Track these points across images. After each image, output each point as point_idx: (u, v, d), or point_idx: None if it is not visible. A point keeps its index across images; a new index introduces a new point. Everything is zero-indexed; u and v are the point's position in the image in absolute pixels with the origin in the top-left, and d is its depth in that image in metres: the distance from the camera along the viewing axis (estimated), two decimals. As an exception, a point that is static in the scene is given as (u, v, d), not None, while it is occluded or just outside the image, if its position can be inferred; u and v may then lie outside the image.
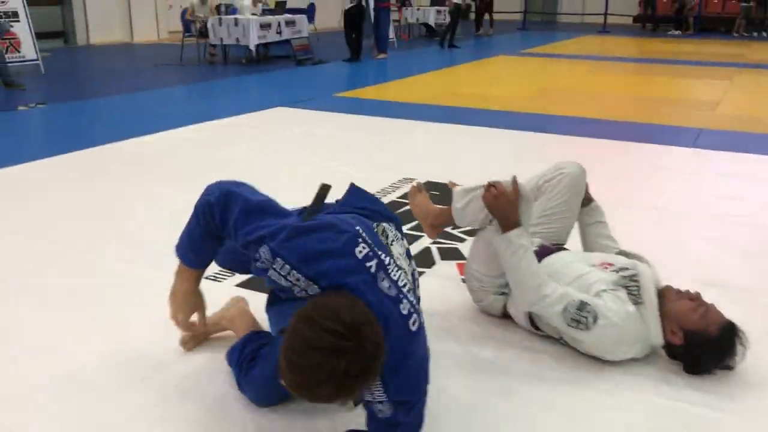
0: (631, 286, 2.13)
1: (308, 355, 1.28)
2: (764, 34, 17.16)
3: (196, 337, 2.20)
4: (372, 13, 11.22)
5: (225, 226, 1.64)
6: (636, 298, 2.10)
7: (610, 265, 2.25)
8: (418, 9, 15.22)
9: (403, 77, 9.20)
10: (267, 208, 1.64)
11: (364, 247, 1.52)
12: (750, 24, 17.53)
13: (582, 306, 2.02)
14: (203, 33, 10.68)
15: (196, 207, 1.70)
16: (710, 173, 4.48)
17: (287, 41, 10.93)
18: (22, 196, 3.87)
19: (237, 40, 10.25)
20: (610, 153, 4.89)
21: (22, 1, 8.99)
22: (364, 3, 10.86)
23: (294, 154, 4.86)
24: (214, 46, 10.68)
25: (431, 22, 15.46)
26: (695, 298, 2.10)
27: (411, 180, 4.08)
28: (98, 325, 2.34)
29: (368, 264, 1.50)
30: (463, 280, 2.65)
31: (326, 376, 1.27)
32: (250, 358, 1.90)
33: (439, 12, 15.57)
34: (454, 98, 7.49)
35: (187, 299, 1.85)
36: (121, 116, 6.49)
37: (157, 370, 2.04)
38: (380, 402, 1.53)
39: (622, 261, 2.28)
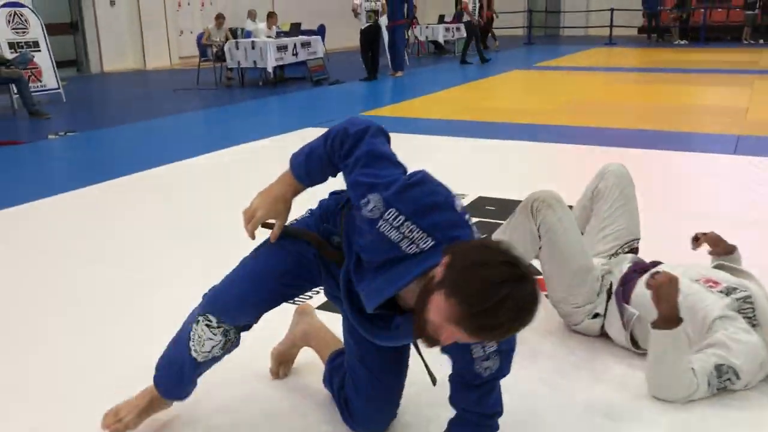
0: (745, 308, 2.06)
1: (495, 291, 1.24)
2: (771, 41, 17.23)
3: (284, 364, 2.14)
4: (386, 32, 11.27)
5: (348, 156, 1.54)
6: (752, 320, 2.04)
7: (716, 283, 2.16)
8: (426, 27, 15.28)
9: (423, 94, 9.19)
10: (390, 156, 1.57)
11: (460, 202, 1.49)
12: (756, 31, 17.59)
13: (720, 372, 1.95)
14: (220, 57, 10.72)
15: (329, 131, 1.60)
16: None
17: (303, 62, 10.97)
18: (83, 220, 3.84)
19: (254, 62, 10.28)
20: (655, 162, 4.84)
21: (43, 32, 9.02)
22: (379, 22, 10.91)
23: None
24: (231, 69, 10.71)
25: (440, 39, 15.51)
26: None
27: (462, 196, 4.04)
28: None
29: (466, 218, 1.47)
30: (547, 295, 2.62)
31: (518, 303, 1.26)
32: (340, 386, 1.85)
33: (447, 29, 15.63)
34: (479, 113, 7.47)
35: (276, 201, 1.67)
36: (154, 141, 6.49)
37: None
38: (489, 355, 1.53)
39: (727, 278, 2.19)
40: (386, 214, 1.41)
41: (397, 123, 6.89)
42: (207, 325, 1.66)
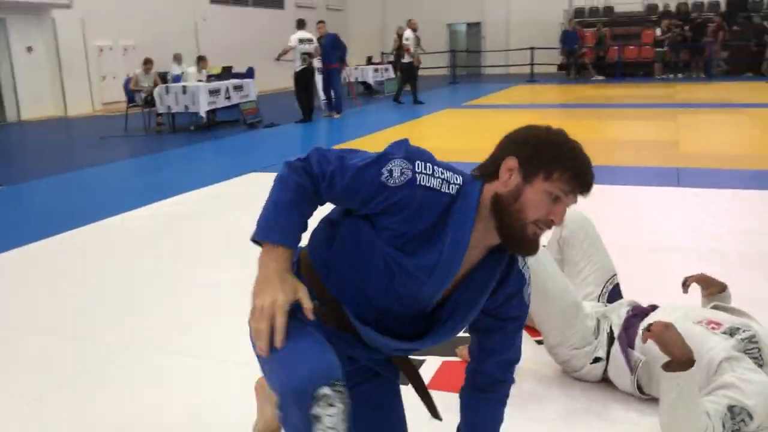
0: (751, 348, 2.05)
1: (566, 143, 1.45)
2: (679, 75, 18.25)
3: None
4: (320, 74, 11.28)
5: (324, 174, 1.41)
6: (758, 360, 2.03)
7: (718, 324, 2.15)
8: (356, 68, 15.40)
9: (362, 135, 9.17)
10: (356, 151, 1.50)
11: None
12: (665, 66, 18.62)
13: (733, 413, 1.91)
14: (149, 102, 10.41)
15: (282, 175, 1.44)
16: (718, 211, 4.56)
17: (236, 106, 10.79)
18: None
19: (186, 107, 10.03)
20: (604, 198, 4.92)
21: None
22: (313, 64, 10.89)
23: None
24: (161, 114, 10.40)
25: (370, 80, 15.65)
26: None
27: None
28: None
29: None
30: (538, 342, 2.57)
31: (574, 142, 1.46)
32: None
33: (376, 70, 15.81)
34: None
35: (284, 279, 1.41)
36: (82, 194, 6.14)
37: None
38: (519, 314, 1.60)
39: (728, 319, 2.19)
40: (416, 167, 1.39)
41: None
42: (329, 404, 1.32)
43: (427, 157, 1.43)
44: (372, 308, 1.47)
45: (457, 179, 1.43)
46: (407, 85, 13.29)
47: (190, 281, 3.46)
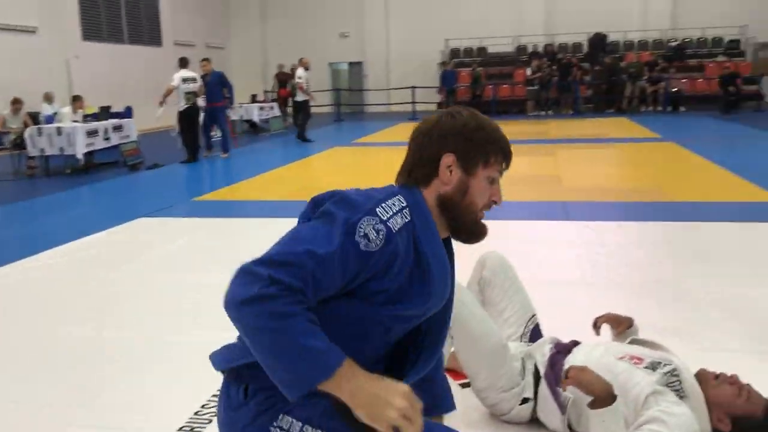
0: (673, 381, 2.13)
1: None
2: (549, 112, 19.38)
3: None
4: (204, 113, 11.00)
5: (307, 281, 1.24)
6: (680, 392, 2.11)
7: (640, 359, 2.22)
8: (240, 106, 15.16)
9: (255, 175, 8.97)
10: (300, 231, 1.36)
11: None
12: (537, 104, 19.73)
13: None
14: (18, 144, 9.71)
15: (266, 312, 1.19)
16: (609, 242, 4.80)
17: (115, 146, 10.29)
18: None
19: (62, 149, 9.44)
20: (498, 233, 5.06)
21: None
22: (197, 103, 10.61)
23: (198, 267, 4.45)
24: (32, 157, 9.71)
25: (255, 118, 15.46)
26: (735, 381, 2.12)
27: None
28: None
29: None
30: (463, 385, 2.56)
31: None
32: None
33: (262, 108, 15.65)
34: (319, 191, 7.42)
35: (382, 381, 1.27)
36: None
37: None
38: None
39: (648, 353, 2.26)
40: (381, 216, 1.34)
41: (239, 207, 6.62)
42: None
43: (374, 198, 1.38)
44: (366, 362, 1.33)
45: (400, 200, 1.40)
46: (299, 119, 13.33)
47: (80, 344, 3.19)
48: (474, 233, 1.50)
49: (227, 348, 1.48)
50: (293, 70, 14.04)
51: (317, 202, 1.42)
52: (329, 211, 1.34)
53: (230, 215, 6.13)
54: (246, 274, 1.24)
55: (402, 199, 1.40)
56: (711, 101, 17.82)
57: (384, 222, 1.33)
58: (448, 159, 1.44)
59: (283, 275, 1.22)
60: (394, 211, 1.36)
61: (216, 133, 11.43)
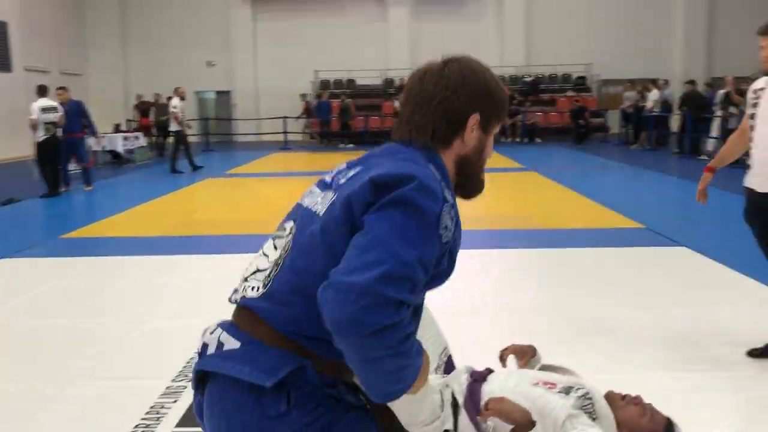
0: (586, 404, 2.24)
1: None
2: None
3: None
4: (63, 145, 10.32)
5: (416, 289, 1.24)
6: (593, 414, 2.22)
7: (553, 385, 2.33)
8: (103, 136, 14.38)
9: (125, 209, 8.52)
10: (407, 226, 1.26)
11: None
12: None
13: None
14: None
15: (385, 353, 1.19)
16: (495, 270, 5.01)
17: (-38, 181, 9.40)
18: None
19: None
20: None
21: None
22: (57, 134, 9.93)
23: (70, 312, 4.14)
24: None
25: (119, 148, 14.74)
26: (639, 402, 2.25)
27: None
28: None
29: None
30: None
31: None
32: None
33: (126, 138, 14.96)
34: (198, 226, 7.23)
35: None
36: None
37: None
38: None
39: (559, 378, 2.37)
40: (447, 197, 1.32)
41: (112, 243, 6.25)
42: None
43: (428, 174, 1.30)
44: None
45: (435, 174, 1.33)
46: (178, 152, 13.05)
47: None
48: (479, 189, 1.51)
49: (265, 355, 1.31)
50: (169, 99, 13.66)
51: (381, 186, 1.26)
52: (414, 202, 1.24)
53: (103, 253, 5.77)
54: (369, 296, 1.14)
55: (434, 169, 1.35)
56: (563, 133, 19.23)
57: (453, 205, 1.32)
58: (474, 119, 1.40)
59: (406, 295, 1.19)
60: (445, 186, 1.35)
61: (75, 166, 10.79)
